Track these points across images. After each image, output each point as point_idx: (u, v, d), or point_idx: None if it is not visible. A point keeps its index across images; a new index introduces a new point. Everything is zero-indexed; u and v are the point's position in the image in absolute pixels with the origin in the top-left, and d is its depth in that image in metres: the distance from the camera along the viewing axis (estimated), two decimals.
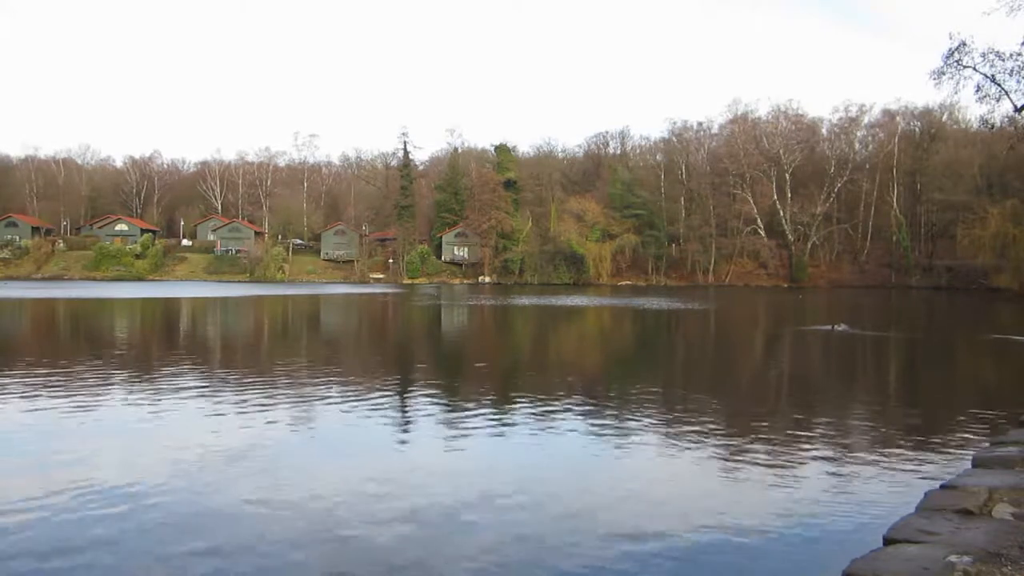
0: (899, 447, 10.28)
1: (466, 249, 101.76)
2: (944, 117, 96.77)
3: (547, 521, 7.30)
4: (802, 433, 11.31)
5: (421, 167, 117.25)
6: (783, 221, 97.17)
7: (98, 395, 13.83)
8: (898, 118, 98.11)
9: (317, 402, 13.54)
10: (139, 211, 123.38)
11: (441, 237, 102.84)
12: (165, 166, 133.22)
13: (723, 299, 60.49)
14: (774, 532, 6.97)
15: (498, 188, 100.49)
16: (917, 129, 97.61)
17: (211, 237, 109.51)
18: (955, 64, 42.11)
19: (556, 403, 13.58)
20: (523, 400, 13.97)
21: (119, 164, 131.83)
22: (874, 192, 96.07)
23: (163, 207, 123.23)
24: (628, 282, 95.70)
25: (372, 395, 14.29)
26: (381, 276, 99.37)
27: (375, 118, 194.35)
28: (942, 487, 6.84)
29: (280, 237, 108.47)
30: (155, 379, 16.01)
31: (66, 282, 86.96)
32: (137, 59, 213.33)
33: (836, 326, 30.12)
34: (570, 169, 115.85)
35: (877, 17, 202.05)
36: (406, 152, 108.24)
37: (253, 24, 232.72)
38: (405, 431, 11.54)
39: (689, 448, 10.28)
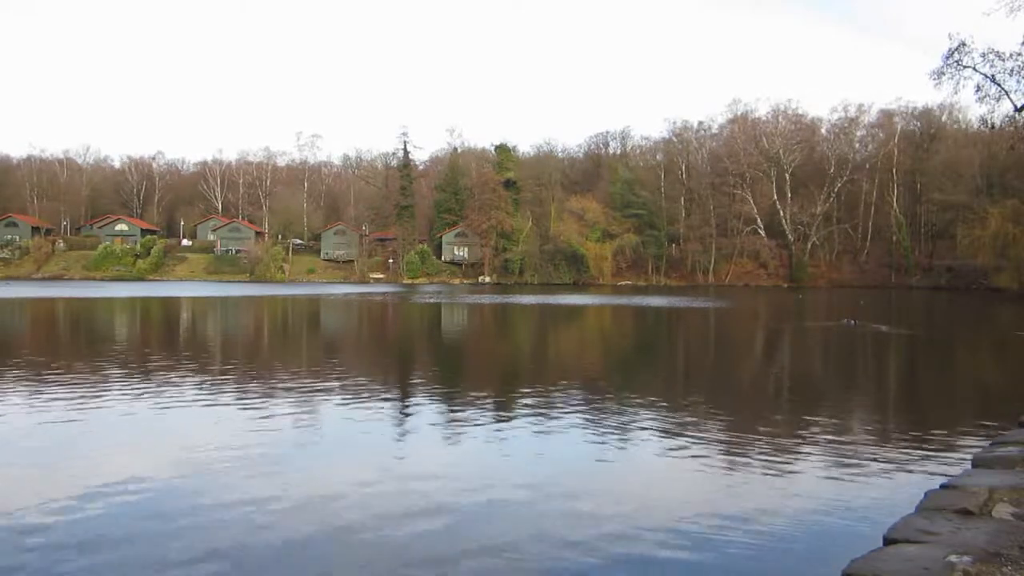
0: (899, 447, 10.28)
1: (466, 249, 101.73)
2: (944, 117, 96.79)
3: (549, 520, 7.31)
4: (804, 431, 11.31)
5: (421, 167, 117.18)
6: (783, 221, 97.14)
7: (101, 396, 13.84)
8: (897, 118, 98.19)
9: (320, 402, 13.55)
10: (139, 211, 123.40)
11: (441, 237, 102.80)
12: (165, 166, 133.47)
13: (727, 298, 60.49)
14: (774, 532, 6.98)
15: (498, 188, 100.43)
16: (917, 129, 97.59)
17: (211, 237, 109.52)
18: (955, 64, 42.17)
19: (559, 402, 13.58)
20: (526, 398, 13.96)
21: (119, 164, 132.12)
22: (874, 192, 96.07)
23: (163, 207, 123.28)
24: (628, 282, 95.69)
25: (375, 395, 14.30)
26: (381, 276, 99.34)
27: (375, 118, 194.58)
28: (942, 487, 6.85)
29: (280, 237, 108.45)
30: (158, 380, 16.00)
31: (66, 282, 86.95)
32: (139, 59, 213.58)
33: (851, 321, 32.37)
34: (570, 169, 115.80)
35: (877, 17, 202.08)
36: (406, 152, 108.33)
37: (254, 25, 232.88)
38: (408, 431, 11.55)
39: (690, 447, 10.28)
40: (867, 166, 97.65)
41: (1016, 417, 10.77)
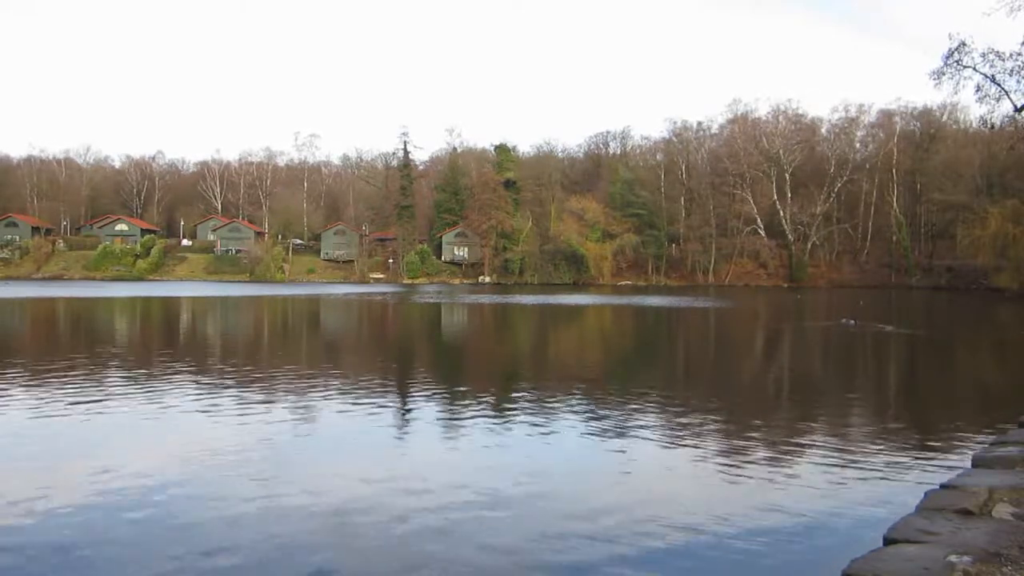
0: (899, 447, 10.29)
1: (466, 249, 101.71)
2: (944, 117, 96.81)
3: (548, 519, 7.32)
4: (803, 431, 11.32)
5: (421, 167, 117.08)
6: (783, 221, 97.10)
7: (102, 396, 13.84)
8: (897, 118, 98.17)
9: (320, 402, 13.55)
10: (139, 211, 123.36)
11: (441, 237, 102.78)
12: (165, 166, 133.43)
13: (727, 298, 60.49)
14: (774, 532, 6.98)
15: (498, 188, 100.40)
16: (917, 129, 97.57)
17: (211, 237, 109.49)
18: (955, 64, 42.26)
19: (559, 402, 13.58)
20: (526, 398, 13.96)
21: (119, 164, 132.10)
22: (874, 192, 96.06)
23: (163, 207, 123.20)
24: (628, 282, 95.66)
25: (374, 395, 14.30)
26: (381, 276, 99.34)
27: (375, 118, 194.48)
28: (942, 487, 6.84)
29: (280, 237, 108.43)
30: (157, 380, 16.00)
31: (66, 282, 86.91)
32: (138, 59, 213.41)
33: (850, 321, 33.03)
34: (570, 169, 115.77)
35: (877, 17, 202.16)
36: (406, 152, 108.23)
37: (253, 24, 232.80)
38: (408, 431, 11.56)
39: (690, 447, 10.28)
40: (867, 166, 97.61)
41: (1016, 417, 10.77)
